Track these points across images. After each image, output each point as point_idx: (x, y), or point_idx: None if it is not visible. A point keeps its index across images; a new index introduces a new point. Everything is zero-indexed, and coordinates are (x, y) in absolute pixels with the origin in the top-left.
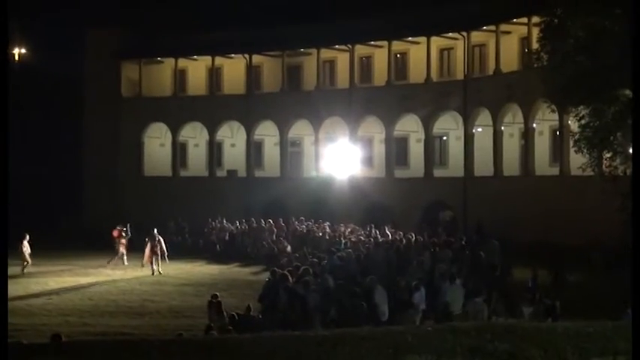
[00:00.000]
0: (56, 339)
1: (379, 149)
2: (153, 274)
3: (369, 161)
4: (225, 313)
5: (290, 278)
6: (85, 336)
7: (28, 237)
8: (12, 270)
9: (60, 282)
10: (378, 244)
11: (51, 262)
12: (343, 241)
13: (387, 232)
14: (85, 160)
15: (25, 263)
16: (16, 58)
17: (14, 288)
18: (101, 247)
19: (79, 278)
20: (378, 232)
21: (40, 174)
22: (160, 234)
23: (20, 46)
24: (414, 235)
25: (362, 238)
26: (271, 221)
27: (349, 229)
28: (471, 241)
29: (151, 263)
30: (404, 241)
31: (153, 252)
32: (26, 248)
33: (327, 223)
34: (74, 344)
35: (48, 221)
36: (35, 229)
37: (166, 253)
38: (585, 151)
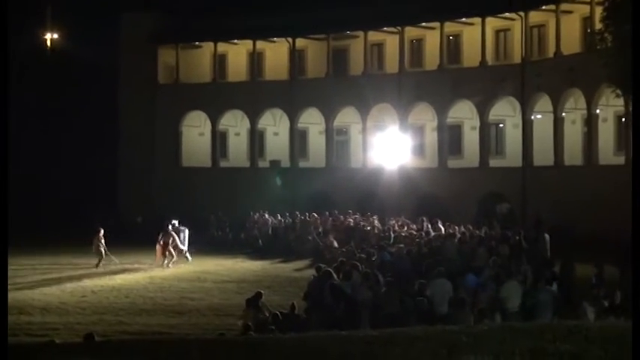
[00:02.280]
0: (89, 339)
1: (431, 138)
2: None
3: (420, 150)
4: (267, 312)
5: (336, 275)
6: (121, 335)
7: (102, 231)
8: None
9: (95, 279)
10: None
11: (85, 257)
12: (393, 236)
13: (440, 226)
14: (120, 151)
15: (99, 258)
16: (48, 44)
17: (48, 286)
18: (137, 241)
19: (114, 275)
20: (430, 226)
21: (71, 166)
22: (176, 230)
23: (52, 32)
24: (469, 229)
25: (413, 232)
26: (316, 214)
27: (399, 223)
28: (529, 236)
29: (164, 257)
30: (458, 235)
31: (165, 248)
32: (99, 242)
33: (376, 216)
34: (109, 344)
35: (81, 215)
36: (68, 223)
37: (185, 250)
38: None
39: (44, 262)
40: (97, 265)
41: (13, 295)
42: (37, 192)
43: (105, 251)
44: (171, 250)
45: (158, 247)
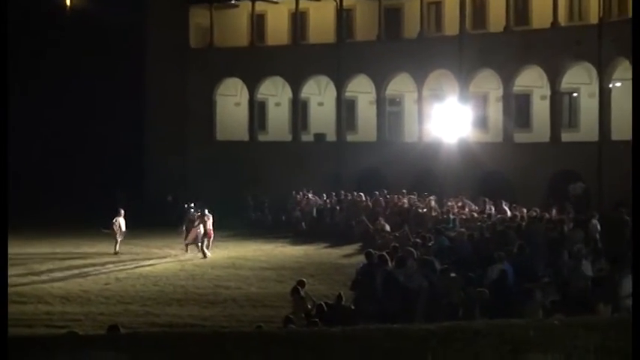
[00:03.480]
0: (114, 330)
1: (495, 108)
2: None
3: (482, 123)
4: (311, 303)
5: (389, 262)
6: (148, 327)
7: (123, 212)
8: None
9: (119, 264)
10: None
11: (108, 241)
12: (452, 219)
13: (505, 208)
14: (148, 122)
15: (117, 242)
16: (68, 3)
17: (68, 273)
18: (167, 223)
19: (141, 259)
20: (493, 208)
21: (92, 140)
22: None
23: None
24: (537, 211)
25: (474, 214)
26: (365, 195)
27: (459, 204)
28: (608, 220)
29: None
30: (525, 218)
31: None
32: (118, 225)
33: (433, 196)
34: (135, 336)
35: (103, 193)
36: (88, 202)
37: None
38: None
39: (65, 247)
40: (115, 252)
41: (31, 284)
42: (55, 171)
43: (119, 235)
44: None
45: (194, 231)
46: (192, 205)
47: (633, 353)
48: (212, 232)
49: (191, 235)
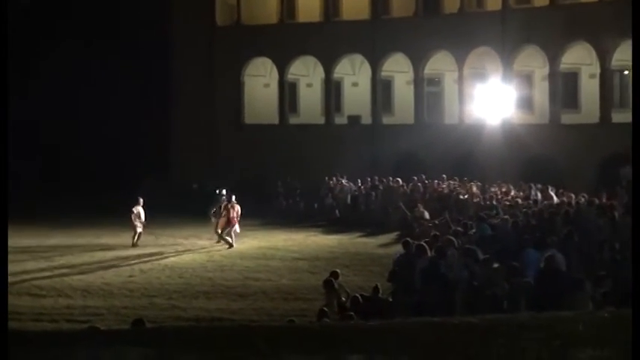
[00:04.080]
0: (138, 324)
1: (541, 88)
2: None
3: (527, 103)
4: (345, 295)
5: (428, 251)
6: (174, 321)
7: (142, 201)
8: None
9: (143, 255)
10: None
11: (131, 232)
12: (495, 205)
13: (551, 194)
14: (173, 107)
15: (137, 233)
16: None
17: (89, 264)
18: (193, 212)
19: (166, 250)
20: (539, 194)
21: (118, 124)
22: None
23: None
24: (586, 196)
25: (519, 200)
26: (403, 180)
27: (503, 190)
28: None
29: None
30: (574, 204)
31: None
32: (137, 215)
33: (475, 182)
34: (160, 331)
35: (128, 179)
36: (111, 191)
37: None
38: None
39: (86, 238)
40: (133, 244)
41: (50, 277)
42: (76, 159)
43: (141, 224)
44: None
45: (222, 220)
46: (223, 191)
47: (633, 353)
48: (235, 220)
49: (220, 224)
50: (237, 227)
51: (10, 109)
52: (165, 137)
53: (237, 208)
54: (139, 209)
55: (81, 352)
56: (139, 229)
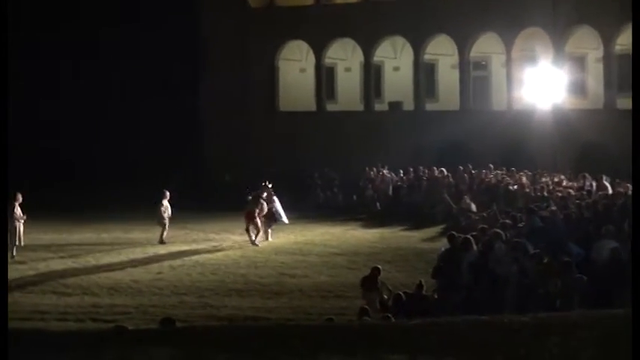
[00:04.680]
0: (167, 324)
1: (594, 71)
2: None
3: (580, 88)
4: (387, 293)
5: (475, 245)
6: (206, 321)
7: (168, 195)
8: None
9: (173, 251)
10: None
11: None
12: (546, 196)
13: (606, 184)
14: (204, 94)
15: (163, 230)
16: None
17: (116, 260)
18: (225, 205)
19: (197, 246)
20: (594, 184)
21: (146, 113)
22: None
23: None
24: None
25: (571, 191)
26: (445, 170)
27: (554, 180)
28: None
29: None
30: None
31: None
32: (165, 209)
33: (525, 171)
34: (191, 331)
35: (156, 172)
36: (139, 183)
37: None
38: None
39: (113, 233)
40: (160, 240)
41: (76, 274)
42: (103, 150)
43: (168, 220)
44: (258, 222)
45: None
46: (266, 184)
47: (633, 353)
48: (258, 217)
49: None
50: (258, 223)
51: (33, 97)
52: (195, 126)
53: (265, 206)
54: (165, 203)
55: (107, 352)
56: (166, 224)
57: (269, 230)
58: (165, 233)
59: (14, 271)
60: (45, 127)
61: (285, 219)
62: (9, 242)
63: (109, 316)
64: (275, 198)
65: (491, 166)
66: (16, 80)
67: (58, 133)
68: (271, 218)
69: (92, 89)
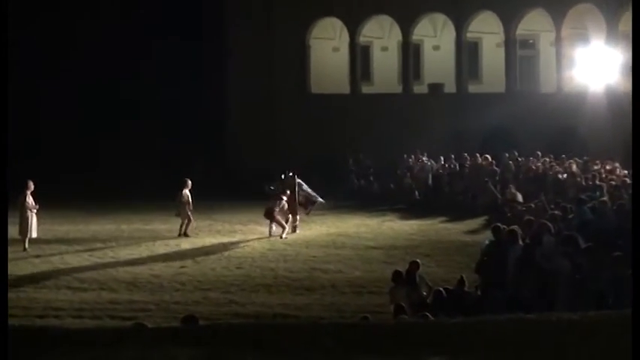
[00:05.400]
0: (190, 321)
1: None
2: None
3: None
4: (427, 289)
5: (521, 238)
6: (231, 318)
7: (190, 183)
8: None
9: (196, 243)
10: None
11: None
12: (599, 185)
13: None
14: (229, 75)
15: (186, 221)
16: None
17: (135, 252)
18: (251, 193)
19: (222, 238)
20: None
21: (167, 97)
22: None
23: None
24: None
25: (627, 180)
26: (489, 157)
27: (607, 168)
28: None
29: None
30: None
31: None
32: (185, 199)
33: (575, 159)
34: (215, 329)
35: (177, 158)
36: (160, 169)
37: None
38: None
39: (132, 224)
40: (180, 233)
41: (92, 268)
42: (120, 135)
43: (190, 212)
44: (279, 218)
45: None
46: (291, 173)
47: (633, 353)
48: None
49: (298, 207)
50: (280, 220)
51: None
52: (219, 110)
53: (284, 202)
54: (186, 193)
55: (126, 351)
56: (190, 214)
57: (296, 222)
58: (189, 225)
59: (26, 265)
60: (65, 110)
61: (320, 199)
62: (20, 234)
63: (127, 313)
64: (302, 183)
65: (539, 153)
66: (48, 58)
67: (76, 117)
68: (307, 204)
69: (114, 72)
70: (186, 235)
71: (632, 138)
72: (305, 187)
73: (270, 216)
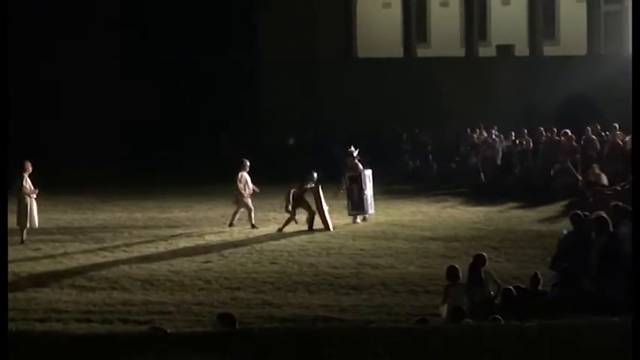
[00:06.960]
0: (227, 321)
1: None
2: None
3: None
4: (494, 287)
5: (607, 227)
6: (266, 322)
7: (248, 165)
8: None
9: (223, 235)
10: None
11: (209, 200)
12: None
13: None
14: (262, 37)
15: (242, 210)
16: None
17: (152, 245)
18: (287, 174)
19: (254, 228)
20: None
21: (191, 65)
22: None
23: None
24: None
25: None
26: (569, 132)
27: None
28: None
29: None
30: None
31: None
32: (243, 185)
33: None
34: (246, 334)
35: (207, 132)
36: (180, 150)
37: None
38: None
39: (148, 211)
40: (230, 223)
41: (102, 264)
42: (138, 109)
43: (250, 201)
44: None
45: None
46: (354, 151)
47: (633, 353)
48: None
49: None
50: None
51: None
52: (252, 78)
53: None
54: (244, 175)
55: None
56: (249, 202)
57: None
58: (250, 214)
59: (25, 260)
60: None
61: (370, 209)
62: (18, 224)
63: (142, 316)
64: (366, 175)
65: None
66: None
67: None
68: (356, 203)
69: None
70: (253, 226)
71: (633, 138)
72: (369, 185)
73: (304, 207)
